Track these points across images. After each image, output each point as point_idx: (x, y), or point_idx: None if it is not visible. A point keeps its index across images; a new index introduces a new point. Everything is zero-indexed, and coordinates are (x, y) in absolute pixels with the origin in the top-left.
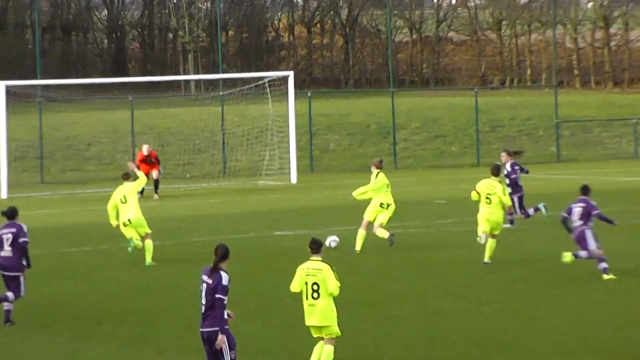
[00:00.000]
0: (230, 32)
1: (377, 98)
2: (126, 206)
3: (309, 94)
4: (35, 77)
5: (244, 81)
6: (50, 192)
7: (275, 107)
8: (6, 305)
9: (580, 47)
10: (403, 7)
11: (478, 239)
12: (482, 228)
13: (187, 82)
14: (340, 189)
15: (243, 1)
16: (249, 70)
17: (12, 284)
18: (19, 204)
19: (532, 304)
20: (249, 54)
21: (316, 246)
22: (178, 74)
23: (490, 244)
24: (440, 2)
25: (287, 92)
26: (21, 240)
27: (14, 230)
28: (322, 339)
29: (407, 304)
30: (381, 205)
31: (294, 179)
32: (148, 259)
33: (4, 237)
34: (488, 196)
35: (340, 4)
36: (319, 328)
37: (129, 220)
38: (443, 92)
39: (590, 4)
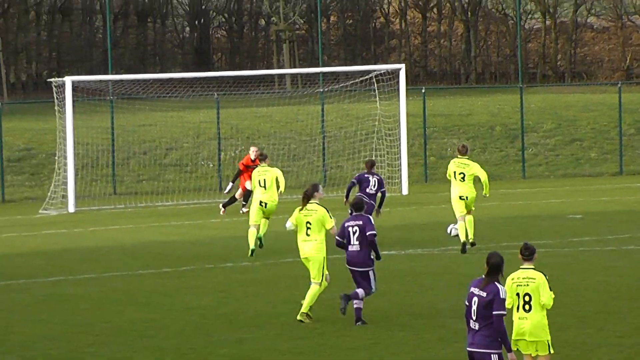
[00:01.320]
0: (332, 19)
1: (504, 95)
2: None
3: (423, 91)
4: (106, 72)
5: (348, 76)
6: (123, 205)
7: (383, 106)
8: (356, 303)
9: None
10: None
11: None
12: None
13: (282, 76)
14: None
15: None
16: (354, 63)
17: (362, 280)
18: (88, 218)
19: None
20: (354, 44)
21: (529, 252)
22: (271, 67)
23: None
24: None
25: (397, 89)
26: (368, 232)
27: (360, 222)
28: (531, 356)
29: None
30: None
31: (405, 189)
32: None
33: (351, 229)
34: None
35: None
36: (530, 343)
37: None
38: (581, 88)
39: None
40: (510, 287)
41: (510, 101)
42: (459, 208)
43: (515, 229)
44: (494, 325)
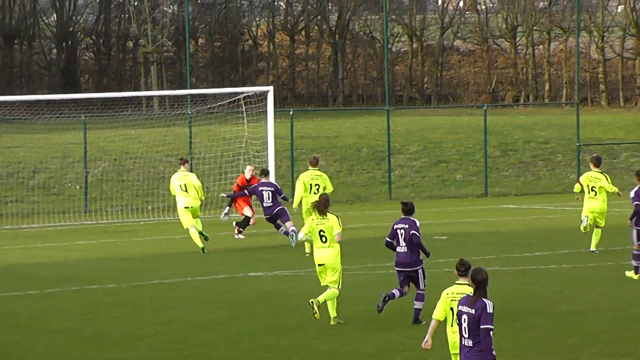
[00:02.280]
0: (200, 41)
1: (370, 117)
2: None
3: (291, 113)
4: None
5: (216, 97)
6: None
7: (251, 128)
8: (416, 305)
9: (607, 57)
10: (402, 12)
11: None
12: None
13: (150, 98)
14: None
15: (215, 4)
16: (222, 85)
17: (411, 280)
18: None
19: None
20: (222, 66)
21: (464, 268)
22: (139, 89)
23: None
24: (445, 6)
25: (265, 111)
26: (412, 234)
27: (406, 226)
28: None
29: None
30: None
31: None
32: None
33: (399, 232)
34: (593, 188)
35: (329, 7)
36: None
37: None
38: (447, 110)
39: (620, 8)
40: (444, 301)
41: (377, 123)
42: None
43: (381, 250)
44: (481, 339)
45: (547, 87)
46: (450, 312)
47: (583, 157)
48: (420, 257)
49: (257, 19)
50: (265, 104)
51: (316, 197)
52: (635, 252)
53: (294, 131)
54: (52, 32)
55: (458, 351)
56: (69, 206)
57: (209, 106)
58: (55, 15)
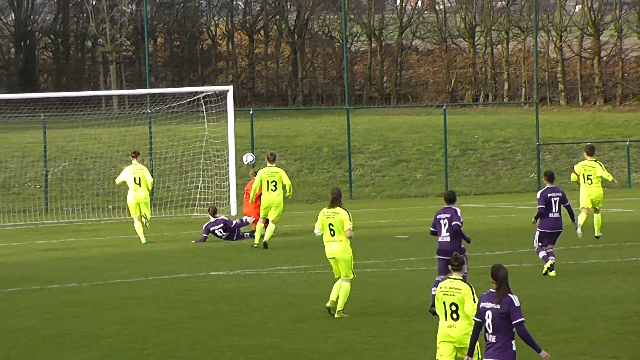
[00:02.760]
0: (159, 40)
1: (330, 117)
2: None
3: (250, 112)
4: None
5: (176, 97)
6: None
7: (211, 127)
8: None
9: (566, 57)
10: (360, 11)
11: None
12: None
13: (109, 98)
14: (287, 221)
15: (174, 3)
16: (181, 85)
17: None
18: None
19: None
20: (181, 66)
21: (458, 263)
22: (98, 88)
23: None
24: (404, 5)
25: (225, 110)
26: (453, 223)
27: (448, 215)
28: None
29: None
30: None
31: (233, 210)
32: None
33: (442, 222)
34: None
35: (288, 6)
36: (459, 349)
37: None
38: (406, 109)
39: (577, 8)
40: (437, 295)
41: (337, 122)
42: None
43: None
44: (518, 333)
45: (506, 87)
46: (442, 305)
47: (543, 156)
48: (462, 245)
49: (215, 19)
50: (225, 103)
51: (273, 194)
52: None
53: (254, 130)
54: (10, 32)
55: (443, 340)
56: (29, 205)
57: (168, 105)
58: (13, 14)
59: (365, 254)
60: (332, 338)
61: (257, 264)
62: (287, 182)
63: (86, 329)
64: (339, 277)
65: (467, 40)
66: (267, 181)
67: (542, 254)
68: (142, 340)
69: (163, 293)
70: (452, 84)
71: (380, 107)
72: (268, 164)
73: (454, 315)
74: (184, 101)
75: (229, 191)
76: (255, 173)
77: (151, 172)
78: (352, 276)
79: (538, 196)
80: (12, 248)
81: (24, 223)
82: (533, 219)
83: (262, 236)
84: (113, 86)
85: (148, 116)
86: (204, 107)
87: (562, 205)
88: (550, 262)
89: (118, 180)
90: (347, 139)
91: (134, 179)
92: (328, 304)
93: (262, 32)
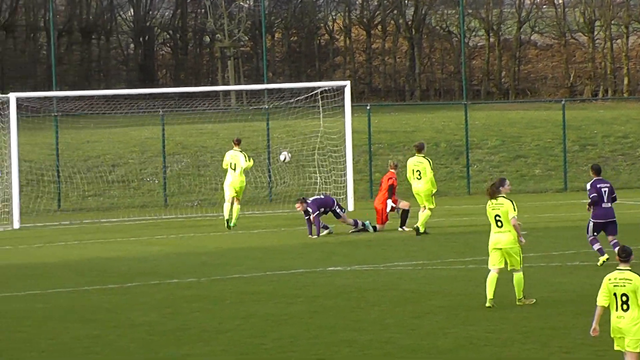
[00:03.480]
0: (276, 35)
1: (448, 112)
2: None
3: (368, 107)
4: (50, 88)
5: (293, 92)
6: (68, 222)
7: (328, 123)
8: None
9: None
10: (479, 6)
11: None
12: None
13: (227, 93)
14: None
15: None
16: (299, 80)
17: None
18: (33, 235)
19: None
20: (299, 61)
21: (625, 255)
22: (216, 83)
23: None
24: (522, 0)
25: (342, 105)
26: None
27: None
28: (622, 352)
29: None
30: None
31: (351, 205)
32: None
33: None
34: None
35: (405, 2)
36: (631, 340)
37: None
38: (525, 105)
39: None
40: (607, 287)
41: (454, 118)
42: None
43: (461, 244)
44: None
45: (625, 82)
46: (613, 297)
47: None
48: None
49: (333, 14)
50: (342, 99)
51: (419, 183)
52: None
53: (371, 126)
54: (129, 27)
55: (620, 335)
56: (148, 200)
57: (286, 101)
58: (132, 10)
59: (483, 249)
60: (451, 334)
61: (375, 260)
62: (429, 173)
63: (205, 324)
64: (494, 270)
65: (586, 34)
66: (413, 170)
67: (597, 245)
68: (261, 335)
69: (281, 288)
70: (571, 78)
71: (499, 102)
72: (416, 154)
73: (624, 307)
74: (302, 96)
75: (346, 187)
76: (395, 165)
77: (268, 167)
78: (521, 266)
79: (589, 187)
80: (131, 243)
81: (142, 218)
82: (587, 206)
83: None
84: (231, 81)
85: (266, 111)
86: (320, 102)
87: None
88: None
89: (224, 164)
90: (465, 134)
91: (231, 164)
92: (488, 304)
93: (379, 27)
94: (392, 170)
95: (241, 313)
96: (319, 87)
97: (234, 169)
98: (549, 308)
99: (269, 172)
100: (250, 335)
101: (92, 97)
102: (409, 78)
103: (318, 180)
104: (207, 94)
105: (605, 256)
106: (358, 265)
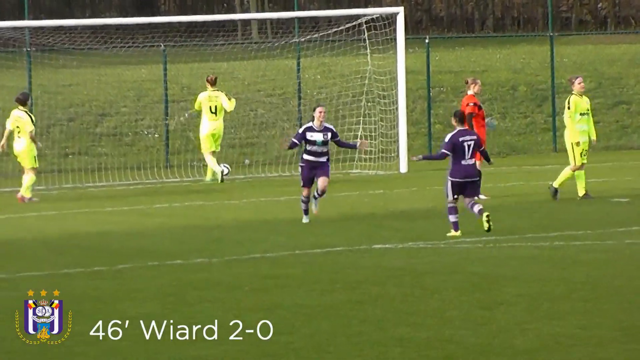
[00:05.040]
0: None
1: (529, 46)
2: None
3: (427, 40)
4: (21, 17)
5: (331, 22)
6: (44, 187)
7: (376, 60)
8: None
9: None
10: None
11: None
12: None
13: (247, 24)
14: None
15: None
16: (338, 6)
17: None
18: None
19: None
20: None
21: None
22: (233, 11)
23: None
24: None
25: (394, 38)
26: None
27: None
28: None
29: None
30: None
31: (403, 167)
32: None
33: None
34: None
35: None
36: None
37: None
38: (629, 37)
39: None
40: None
41: (537, 54)
42: None
43: (544, 216)
44: None
45: None
46: None
47: None
48: None
49: None
50: (394, 30)
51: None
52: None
53: (430, 64)
54: None
55: None
56: (146, 159)
57: (322, 34)
58: None
59: (573, 222)
60: (530, 330)
61: (434, 236)
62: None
63: (217, 317)
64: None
65: None
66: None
67: (453, 217)
68: (288, 331)
69: (314, 272)
70: None
71: (594, 34)
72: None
73: None
74: (342, 27)
75: (397, 141)
76: (474, 81)
77: (299, 117)
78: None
79: (447, 140)
80: (125, 214)
81: (139, 182)
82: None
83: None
84: (252, 9)
85: (296, 47)
86: (366, 34)
87: None
88: None
89: (198, 106)
90: (551, 75)
91: (210, 107)
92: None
93: None
94: (470, 93)
95: (264, 303)
96: (364, 15)
97: (215, 113)
98: None
99: (300, 124)
100: (276, 332)
101: (74, 28)
102: (479, 3)
103: (361, 134)
104: (222, 24)
105: (459, 232)
106: (412, 242)
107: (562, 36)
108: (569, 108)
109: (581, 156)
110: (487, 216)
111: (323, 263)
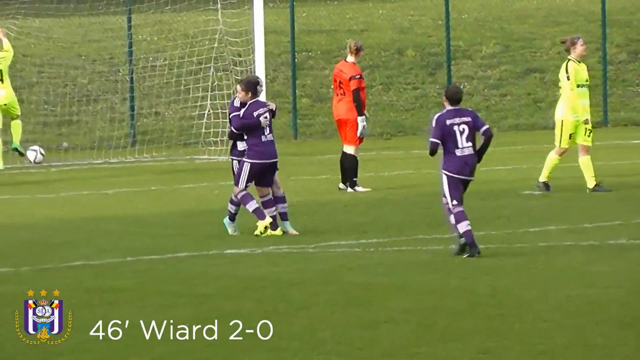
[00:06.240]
0: None
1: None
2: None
3: None
4: None
5: None
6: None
7: (228, 17)
8: None
9: None
10: None
11: None
12: None
13: None
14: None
15: None
16: None
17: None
18: None
19: None
20: None
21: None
22: None
23: None
24: None
25: None
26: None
27: (469, 118)
28: None
29: None
30: None
31: None
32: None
33: (455, 129)
34: None
35: None
36: None
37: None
38: None
39: None
40: None
41: (430, 9)
42: None
43: (440, 212)
44: None
45: None
46: None
47: None
48: None
49: None
50: None
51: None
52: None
53: (294, 23)
54: None
55: None
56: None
57: None
58: None
59: (475, 220)
60: (422, 355)
61: (300, 238)
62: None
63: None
64: None
65: None
66: None
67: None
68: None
69: (151, 283)
70: None
71: None
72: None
73: None
74: None
75: None
76: (357, 49)
77: (130, 90)
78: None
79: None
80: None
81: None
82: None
83: None
84: None
85: (126, 1)
86: None
87: None
88: None
89: None
90: (446, 36)
91: None
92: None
93: None
94: (351, 60)
95: (86, 323)
96: None
97: (1, 80)
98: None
99: (131, 98)
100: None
101: None
102: None
103: (209, 110)
104: None
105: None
106: (275, 246)
107: None
108: (568, 78)
109: (587, 136)
110: None
111: (162, 272)
